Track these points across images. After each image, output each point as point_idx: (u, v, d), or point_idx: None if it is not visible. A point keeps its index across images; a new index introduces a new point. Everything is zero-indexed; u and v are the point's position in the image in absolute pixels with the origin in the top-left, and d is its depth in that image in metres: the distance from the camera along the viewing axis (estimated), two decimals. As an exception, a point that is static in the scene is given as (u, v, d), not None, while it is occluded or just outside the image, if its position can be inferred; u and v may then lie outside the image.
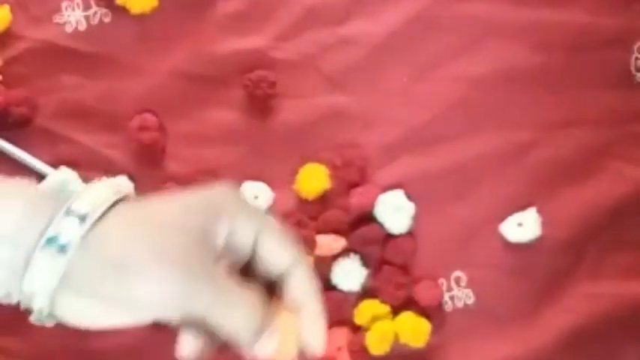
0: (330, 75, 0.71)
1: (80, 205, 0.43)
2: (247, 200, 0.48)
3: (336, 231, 0.66)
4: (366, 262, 0.66)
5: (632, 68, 0.71)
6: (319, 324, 0.46)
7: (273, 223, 0.47)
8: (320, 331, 0.46)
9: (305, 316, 0.46)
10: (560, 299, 0.66)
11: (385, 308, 0.65)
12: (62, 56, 0.71)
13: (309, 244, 0.65)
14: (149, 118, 0.68)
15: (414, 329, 0.64)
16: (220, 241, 0.44)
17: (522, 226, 0.67)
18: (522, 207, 0.67)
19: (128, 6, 0.72)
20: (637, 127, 0.70)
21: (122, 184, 0.46)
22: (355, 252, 0.66)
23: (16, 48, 0.71)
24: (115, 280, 0.42)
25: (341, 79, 0.70)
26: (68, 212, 0.42)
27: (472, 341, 0.65)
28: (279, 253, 0.46)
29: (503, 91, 0.70)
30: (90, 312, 0.43)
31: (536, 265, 0.66)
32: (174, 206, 0.45)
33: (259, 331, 0.44)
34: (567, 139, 0.69)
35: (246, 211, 0.46)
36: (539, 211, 0.67)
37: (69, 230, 0.42)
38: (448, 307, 0.66)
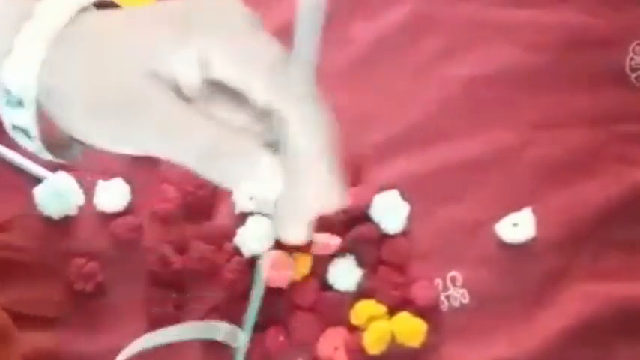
0: (326, 75, 0.71)
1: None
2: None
3: (332, 231, 0.66)
4: (361, 262, 0.66)
5: (627, 69, 0.71)
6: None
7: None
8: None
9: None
10: (555, 299, 0.66)
11: (381, 308, 0.65)
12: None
13: (306, 243, 0.65)
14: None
15: (410, 329, 0.64)
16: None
17: (517, 227, 0.67)
18: (517, 207, 0.67)
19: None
20: (631, 128, 0.70)
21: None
22: (351, 252, 0.66)
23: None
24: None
25: (336, 79, 0.71)
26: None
27: (468, 341, 0.65)
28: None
29: (498, 91, 0.70)
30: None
31: (531, 265, 0.67)
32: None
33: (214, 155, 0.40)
34: (562, 140, 0.70)
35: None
36: (534, 212, 0.67)
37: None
38: (444, 306, 0.66)
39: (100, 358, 0.64)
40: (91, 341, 0.64)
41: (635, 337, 0.65)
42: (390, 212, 0.66)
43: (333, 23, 0.72)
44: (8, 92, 0.41)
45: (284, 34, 0.72)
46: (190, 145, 0.40)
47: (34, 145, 0.43)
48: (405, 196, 0.67)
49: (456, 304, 0.66)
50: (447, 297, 0.66)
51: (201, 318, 0.65)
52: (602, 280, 0.66)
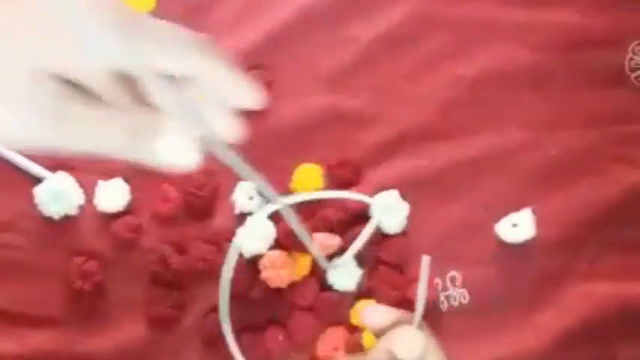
0: (326, 75, 0.71)
1: None
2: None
3: (332, 230, 0.66)
4: (361, 262, 0.66)
5: (627, 69, 0.72)
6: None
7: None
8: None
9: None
10: (555, 299, 0.66)
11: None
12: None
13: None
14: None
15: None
16: None
17: (517, 227, 0.67)
18: (517, 207, 0.67)
19: (126, 8, 0.72)
20: (631, 128, 0.70)
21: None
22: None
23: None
24: None
25: (336, 79, 0.71)
26: None
27: (467, 340, 0.65)
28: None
29: (498, 91, 0.70)
30: None
31: (531, 265, 0.67)
32: None
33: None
34: (562, 140, 0.70)
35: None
36: (533, 212, 0.67)
37: None
38: (443, 306, 0.66)
39: (100, 358, 0.64)
40: (91, 341, 0.64)
41: (636, 337, 0.65)
42: (390, 212, 0.66)
43: (333, 23, 0.72)
44: None
45: (284, 34, 0.72)
46: (113, 138, 0.41)
47: None
48: (404, 196, 0.67)
49: (456, 304, 0.66)
50: (447, 297, 0.66)
51: (202, 318, 0.65)
52: (602, 280, 0.67)
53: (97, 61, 0.39)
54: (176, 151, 0.42)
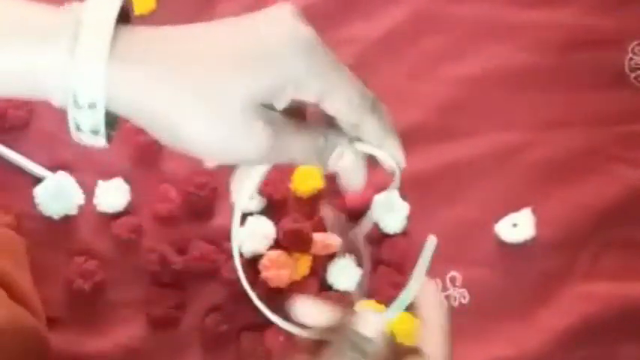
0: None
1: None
2: (317, 47, 0.42)
3: (332, 231, 0.66)
4: (361, 262, 0.66)
5: (627, 69, 0.72)
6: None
7: (342, 81, 0.43)
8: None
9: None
10: (555, 299, 0.66)
11: (381, 308, 0.65)
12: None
13: (306, 243, 0.65)
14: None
15: (409, 329, 0.64)
16: (279, 103, 0.42)
17: (517, 227, 0.67)
18: (517, 207, 0.67)
19: (126, 8, 0.72)
20: (631, 128, 0.70)
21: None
22: (350, 252, 0.66)
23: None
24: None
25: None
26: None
27: (467, 340, 0.65)
28: (347, 112, 0.43)
29: (498, 91, 0.71)
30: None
31: (531, 265, 0.67)
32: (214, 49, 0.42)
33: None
34: (561, 140, 0.70)
35: (313, 71, 0.41)
36: (533, 212, 0.67)
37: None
38: (444, 306, 0.66)
39: (100, 358, 0.64)
40: (91, 341, 0.64)
41: (636, 337, 0.65)
42: (390, 212, 0.66)
43: (333, 23, 0.72)
44: (76, 100, 0.41)
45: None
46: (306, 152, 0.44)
47: (99, 140, 0.43)
48: (404, 197, 0.67)
49: (456, 304, 0.66)
50: (447, 297, 0.66)
51: (202, 318, 0.65)
52: (602, 280, 0.67)
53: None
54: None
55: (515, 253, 0.67)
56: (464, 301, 0.66)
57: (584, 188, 0.68)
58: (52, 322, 0.64)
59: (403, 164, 0.47)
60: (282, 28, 0.41)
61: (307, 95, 0.42)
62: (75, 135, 0.42)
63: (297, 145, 0.43)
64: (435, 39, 0.72)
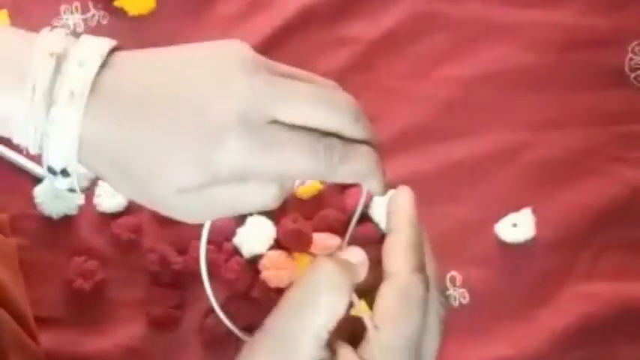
0: (326, 75, 0.71)
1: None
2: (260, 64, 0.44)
3: (332, 230, 0.66)
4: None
5: (627, 69, 0.72)
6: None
7: (293, 91, 0.44)
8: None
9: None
10: (555, 299, 0.66)
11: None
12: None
13: (306, 243, 0.65)
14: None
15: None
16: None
17: (517, 227, 0.67)
18: (517, 207, 0.67)
19: (126, 8, 0.72)
20: (631, 128, 0.70)
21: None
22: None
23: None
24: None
25: (336, 79, 0.70)
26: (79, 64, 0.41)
27: (467, 340, 0.65)
28: (310, 117, 0.44)
29: (498, 91, 0.70)
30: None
31: (531, 265, 0.67)
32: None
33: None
34: (561, 140, 0.70)
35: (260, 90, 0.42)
36: (533, 212, 0.67)
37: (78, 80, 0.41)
38: (443, 306, 0.66)
39: (100, 357, 0.64)
40: (91, 341, 0.64)
41: (636, 337, 0.65)
42: (390, 212, 0.66)
43: (333, 23, 0.72)
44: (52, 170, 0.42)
45: (284, 34, 0.72)
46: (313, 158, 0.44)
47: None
48: (404, 196, 0.67)
49: (456, 304, 0.66)
50: (447, 297, 0.66)
51: (202, 318, 0.65)
52: (602, 280, 0.67)
53: None
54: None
55: (515, 253, 0.67)
56: (464, 301, 0.66)
57: (584, 188, 0.68)
58: (51, 322, 0.64)
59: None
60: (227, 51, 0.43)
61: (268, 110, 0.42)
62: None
63: (293, 146, 0.42)
64: (435, 39, 0.72)
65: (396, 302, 0.44)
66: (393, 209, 0.46)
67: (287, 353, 0.43)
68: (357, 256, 0.48)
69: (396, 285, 0.44)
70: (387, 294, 0.44)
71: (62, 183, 0.43)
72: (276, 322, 0.44)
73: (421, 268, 0.45)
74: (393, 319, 0.44)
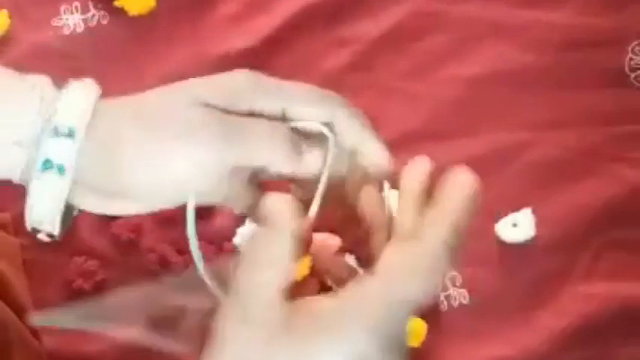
0: (326, 75, 0.71)
1: (64, 121, 0.42)
2: (268, 79, 0.46)
3: (332, 230, 0.66)
4: (362, 262, 0.66)
5: (627, 69, 0.72)
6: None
7: (301, 97, 0.45)
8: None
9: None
10: (555, 299, 0.66)
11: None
12: (59, 59, 0.71)
13: (305, 242, 0.65)
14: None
15: (410, 329, 0.64)
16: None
17: (517, 227, 0.67)
18: (517, 207, 0.67)
19: (126, 7, 0.72)
20: (631, 128, 0.70)
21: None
22: (351, 252, 0.66)
23: (14, 52, 0.71)
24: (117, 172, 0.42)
25: (336, 79, 0.71)
26: (56, 133, 0.42)
27: (467, 340, 0.65)
28: (312, 112, 0.44)
29: (498, 91, 0.70)
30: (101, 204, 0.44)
31: (531, 265, 0.67)
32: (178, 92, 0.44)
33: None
34: (562, 140, 0.70)
35: (266, 91, 0.44)
36: (533, 212, 0.67)
37: (61, 152, 0.41)
38: (444, 306, 0.66)
39: (100, 357, 0.64)
40: (90, 341, 0.64)
41: (635, 337, 0.65)
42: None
43: (334, 23, 0.72)
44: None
45: (284, 34, 0.72)
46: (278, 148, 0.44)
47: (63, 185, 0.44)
48: (404, 196, 0.67)
49: (456, 304, 0.66)
50: (447, 297, 0.66)
51: (202, 318, 0.65)
52: (602, 280, 0.66)
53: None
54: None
55: (515, 253, 0.67)
56: (464, 301, 0.66)
57: (584, 188, 0.68)
58: (51, 322, 0.64)
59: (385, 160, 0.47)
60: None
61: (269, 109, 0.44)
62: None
63: (259, 130, 0.42)
64: (435, 39, 0.72)
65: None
66: (406, 173, 0.45)
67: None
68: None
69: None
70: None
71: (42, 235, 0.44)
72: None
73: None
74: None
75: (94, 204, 0.44)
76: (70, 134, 0.41)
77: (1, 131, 0.42)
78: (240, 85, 0.44)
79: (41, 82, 0.43)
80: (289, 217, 0.41)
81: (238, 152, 0.42)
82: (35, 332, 0.62)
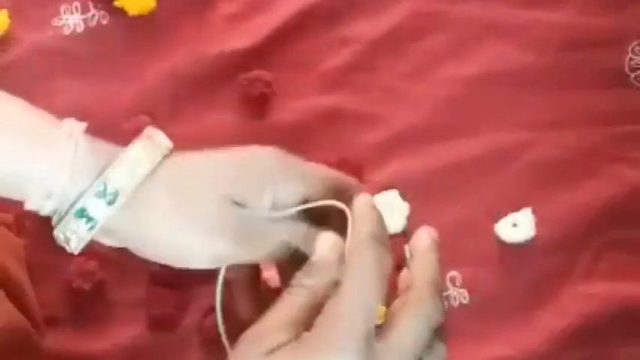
0: (326, 75, 0.71)
1: (112, 188, 0.46)
2: (293, 163, 0.50)
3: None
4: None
5: (627, 69, 0.72)
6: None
7: (320, 186, 0.49)
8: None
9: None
10: (555, 299, 0.66)
11: (381, 308, 0.65)
12: (59, 59, 0.71)
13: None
14: (145, 120, 0.68)
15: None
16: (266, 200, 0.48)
17: (517, 227, 0.67)
18: (517, 207, 0.67)
19: (126, 7, 0.72)
20: (631, 128, 0.70)
21: (158, 139, 0.50)
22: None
23: (14, 52, 0.71)
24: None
25: (336, 79, 0.71)
26: (102, 194, 0.46)
27: (467, 340, 0.65)
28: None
29: (498, 91, 0.71)
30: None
31: (531, 265, 0.67)
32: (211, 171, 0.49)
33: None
34: (561, 140, 0.70)
35: (290, 176, 0.49)
36: (533, 212, 0.67)
37: (100, 211, 0.47)
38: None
39: (100, 358, 0.64)
40: (91, 341, 0.64)
41: (635, 337, 0.65)
42: (390, 212, 0.66)
43: (334, 23, 0.72)
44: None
45: (284, 34, 0.72)
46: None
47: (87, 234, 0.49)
48: (404, 196, 0.67)
49: (456, 304, 0.66)
50: (447, 297, 0.66)
51: (202, 318, 0.65)
52: (602, 280, 0.66)
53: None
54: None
55: (515, 253, 0.67)
56: (464, 301, 0.66)
57: (584, 188, 0.68)
58: (51, 322, 0.64)
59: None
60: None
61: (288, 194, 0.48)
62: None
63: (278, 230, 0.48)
64: (435, 39, 0.72)
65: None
66: (356, 211, 0.49)
67: None
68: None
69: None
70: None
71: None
72: None
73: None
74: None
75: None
76: (112, 201, 0.46)
77: (34, 188, 0.47)
78: (267, 165, 0.49)
79: (76, 130, 0.48)
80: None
81: (248, 255, 0.50)
82: (41, 331, 0.62)
